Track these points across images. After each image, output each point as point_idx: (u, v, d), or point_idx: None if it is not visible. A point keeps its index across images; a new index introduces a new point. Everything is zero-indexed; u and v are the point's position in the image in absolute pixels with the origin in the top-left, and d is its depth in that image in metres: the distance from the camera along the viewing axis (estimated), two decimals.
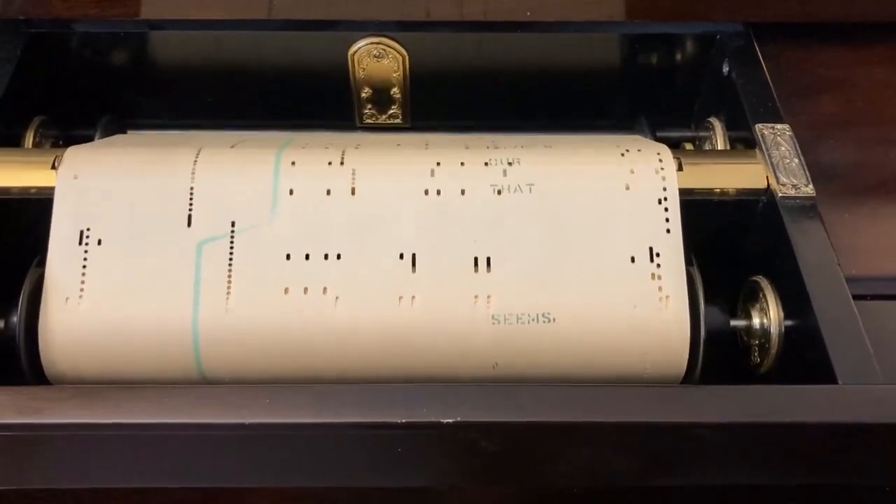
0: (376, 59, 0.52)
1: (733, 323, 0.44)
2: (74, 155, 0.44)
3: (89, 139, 0.52)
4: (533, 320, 0.40)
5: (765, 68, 0.50)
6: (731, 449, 0.36)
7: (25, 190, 0.45)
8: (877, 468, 0.35)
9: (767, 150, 0.46)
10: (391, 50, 0.52)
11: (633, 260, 0.42)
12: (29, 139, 0.50)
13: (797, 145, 0.46)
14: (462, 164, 0.42)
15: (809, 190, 0.44)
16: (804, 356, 0.40)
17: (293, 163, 0.42)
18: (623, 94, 0.56)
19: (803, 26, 0.51)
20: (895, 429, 0.34)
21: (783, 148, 0.46)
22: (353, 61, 0.52)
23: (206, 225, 0.41)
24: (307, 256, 0.41)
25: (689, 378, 0.43)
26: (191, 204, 0.41)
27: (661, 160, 0.43)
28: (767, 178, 0.45)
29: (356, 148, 0.43)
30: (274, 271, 0.40)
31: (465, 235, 0.41)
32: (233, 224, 0.41)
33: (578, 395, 0.36)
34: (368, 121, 0.56)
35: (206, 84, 0.55)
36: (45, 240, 0.42)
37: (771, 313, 0.43)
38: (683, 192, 0.44)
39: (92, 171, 0.43)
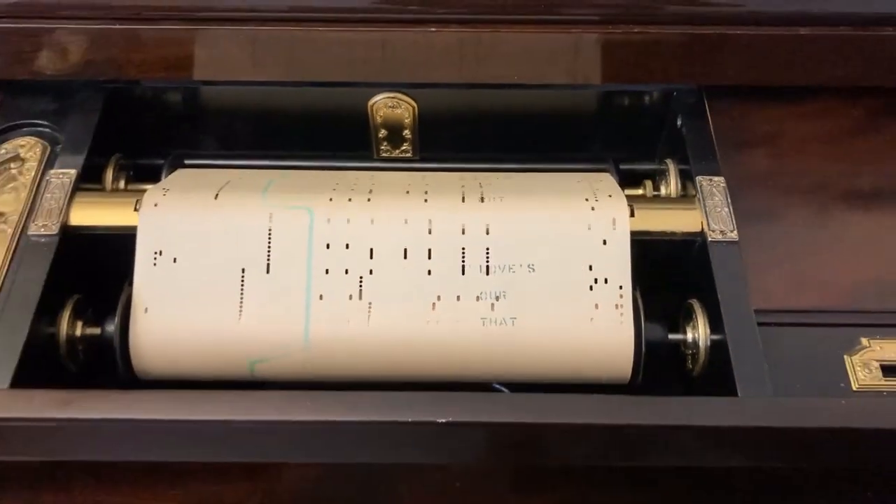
0: (391, 109, 0.63)
1: (671, 337, 0.56)
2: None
3: (156, 167, 0.64)
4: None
5: (711, 124, 0.60)
6: (652, 443, 0.47)
7: (110, 228, 0.56)
8: (756, 456, 0.47)
9: (703, 199, 0.56)
10: (403, 102, 0.63)
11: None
12: (109, 172, 0.61)
13: (728, 196, 0.56)
14: (458, 297, 0.53)
15: (734, 235, 0.55)
16: (720, 367, 0.52)
17: (321, 296, 0.53)
18: (597, 135, 0.66)
19: (747, 88, 0.61)
20: (770, 431, 0.46)
21: (716, 198, 0.56)
22: (371, 110, 0.63)
23: (255, 350, 0.53)
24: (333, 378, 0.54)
25: (634, 380, 0.55)
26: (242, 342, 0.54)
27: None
28: (702, 223, 0.56)
29: (371, 274, 0.54)
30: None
31: (458, 360, 0.53)
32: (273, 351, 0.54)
33: (542, 401, 0.47)
34: (384, 154, 0.67)
35: (251, 125, 0.66)
36: (131, 264, 0.54)
37: (700, 330, 0.54)
38: (636, 234, 0.55)
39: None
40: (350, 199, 0.55)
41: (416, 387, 0.50)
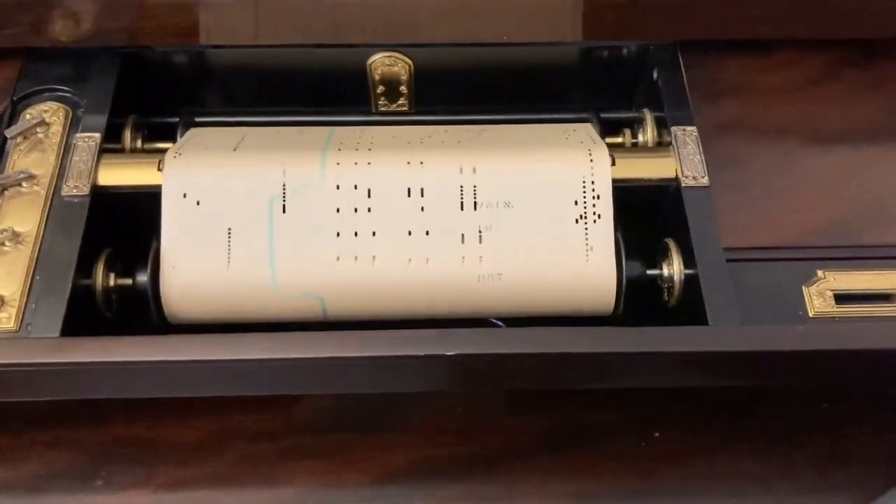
0: (388, 67, 0.68)
1: (649, 272, 0.62)
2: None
3: (170, 125, 0.68)
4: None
5: (684, 77, 0.65)
6: (634, 368, 0.54)
7: (136, 187, 0.61)
8: (725, 376, 0.54)
9: (678, 148, 0.62)
10: (400, 60, 0.67)
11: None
12: (127, 132, 0.66)
13: (700, 144, 0.62)
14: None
15: (705, 181, 0.60)
16: (692, 299, 0.58)
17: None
18: (581, 87, 0.71)
19: (719, 42, 0.66)
20: (737, 355, 0.52)
21: (689, 147, 0.62)
22: (370, 68, 0.68)
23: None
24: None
25: (616, 310, 0.61)
26: None
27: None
28: (676, 170, 0.61)
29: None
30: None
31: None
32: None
33: (535, 333, 0.53)
34: (382, 108, 0.71)
35: (257, 84, 0.70)
36: (157, 219, 0.59)
37: (675, 266, 0.60)
38: (617, 181, 0.60)
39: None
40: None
41: (411, 325, 0.55)
